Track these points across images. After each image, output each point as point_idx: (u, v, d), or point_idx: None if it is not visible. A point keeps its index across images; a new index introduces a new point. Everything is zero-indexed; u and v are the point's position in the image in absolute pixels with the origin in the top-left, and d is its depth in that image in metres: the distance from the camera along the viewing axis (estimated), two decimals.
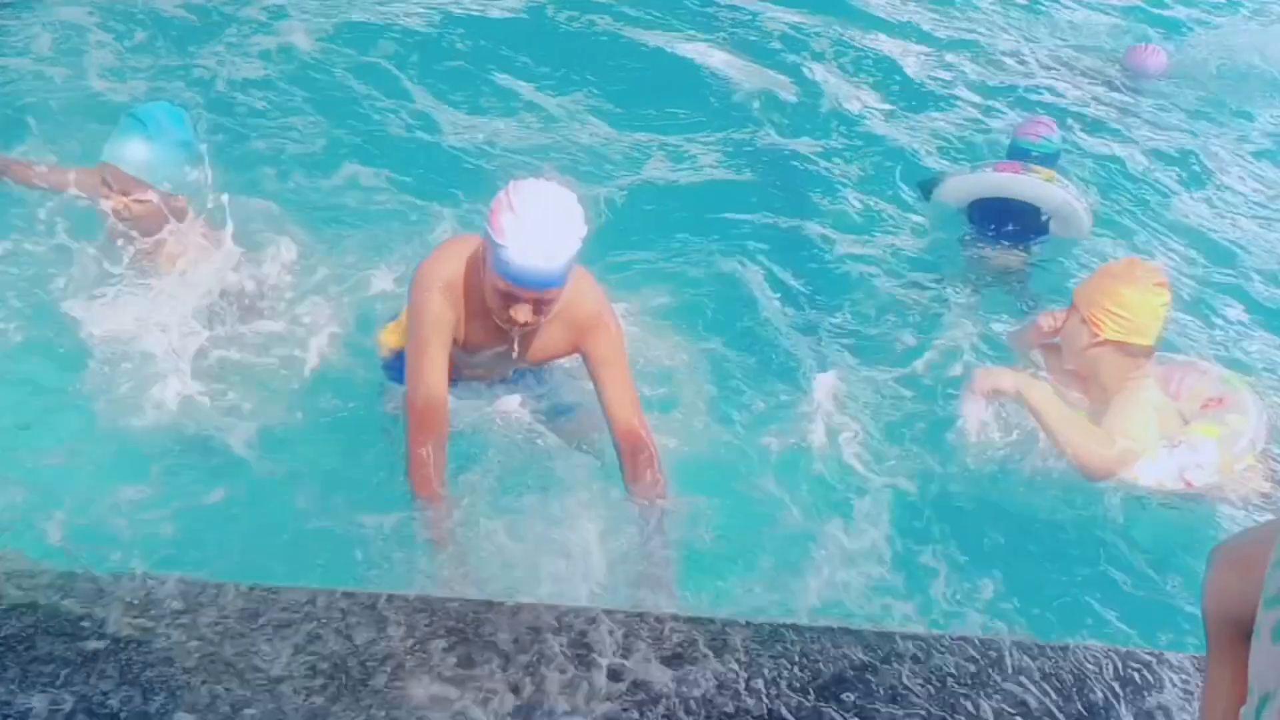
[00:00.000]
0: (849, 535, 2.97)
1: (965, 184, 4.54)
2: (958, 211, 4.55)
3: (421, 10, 5.82)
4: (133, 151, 3.07)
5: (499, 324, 2.65)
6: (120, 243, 3.22)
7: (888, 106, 5.86)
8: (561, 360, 2.98)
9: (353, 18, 5.63)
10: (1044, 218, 4.38)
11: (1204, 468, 3.07)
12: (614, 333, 2.78)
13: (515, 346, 2.71)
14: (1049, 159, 4.49)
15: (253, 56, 5.12)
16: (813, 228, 4.60)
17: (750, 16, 6.51)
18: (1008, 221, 4.41)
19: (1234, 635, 1.48)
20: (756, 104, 5.58)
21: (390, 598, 2.22)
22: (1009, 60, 6.78)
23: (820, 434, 3.30)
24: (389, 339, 3.05)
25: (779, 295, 4.11)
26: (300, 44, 5.28)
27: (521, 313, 2.53)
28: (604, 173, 4.76)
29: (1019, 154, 4.56)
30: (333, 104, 4.91)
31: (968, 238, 4.53)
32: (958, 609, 2.78)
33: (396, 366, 2.90)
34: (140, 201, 3.12)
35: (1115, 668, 2.30)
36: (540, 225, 2.43)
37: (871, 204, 4.88)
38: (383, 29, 5.57)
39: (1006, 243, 4.42)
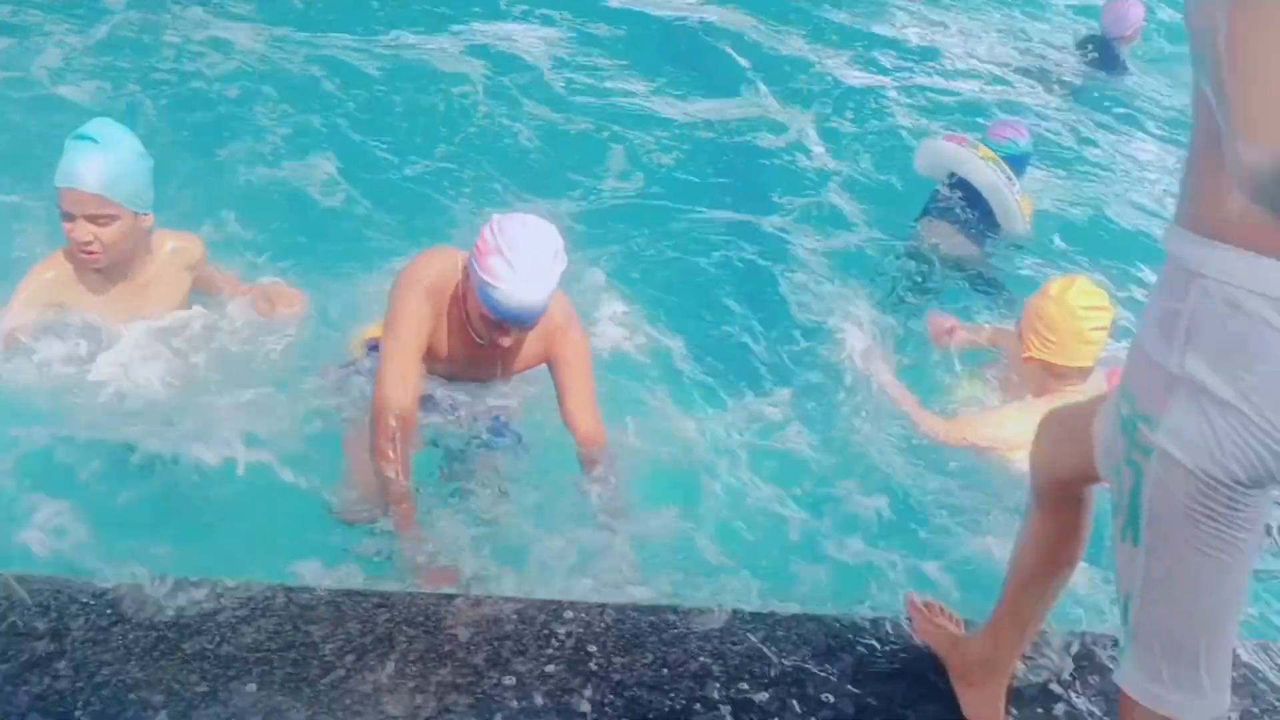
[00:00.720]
0: (809, 524, 3.00)
1: (921, 151, 4.65)
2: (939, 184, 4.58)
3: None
4: (91, 168, 2.70)
5: (477, 339, 2.71)
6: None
7: (856, 101, 5.90)
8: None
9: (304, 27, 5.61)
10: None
11: None
12: (580, 341, 2.87)
13: (499, 364, 2.82)
14: (1014, 160, 4.51)
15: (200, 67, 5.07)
16: (771, 221, 4.63)
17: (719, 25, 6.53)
18: (974, 208, 4.44)
19: (1058, 496, 1.84)
20: (721, 101, 5.61)
21: (349, 593, 2.22)
22: (984, 62, 6.86)
23: (778, 422, 3.34)
24: (360, 340, 3.08)
25: (737, 288, 4.13)
26: (256, 50, 5.25)
27: (505, 339, 2.64)
28: (568, 176, 4.78)
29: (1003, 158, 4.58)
30: (295, 115, 4.88)
31: (935, 204, 4.54)
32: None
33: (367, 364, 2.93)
34: (110, 225, 2.78)
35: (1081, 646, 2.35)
36: (527, 266, 2.50)
37: (829, 198, 4.92)
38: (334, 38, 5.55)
39: (961, 226, 4.42)
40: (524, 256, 2.50)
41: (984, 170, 4.37)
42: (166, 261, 3.04)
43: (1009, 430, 3.15)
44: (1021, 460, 3.09)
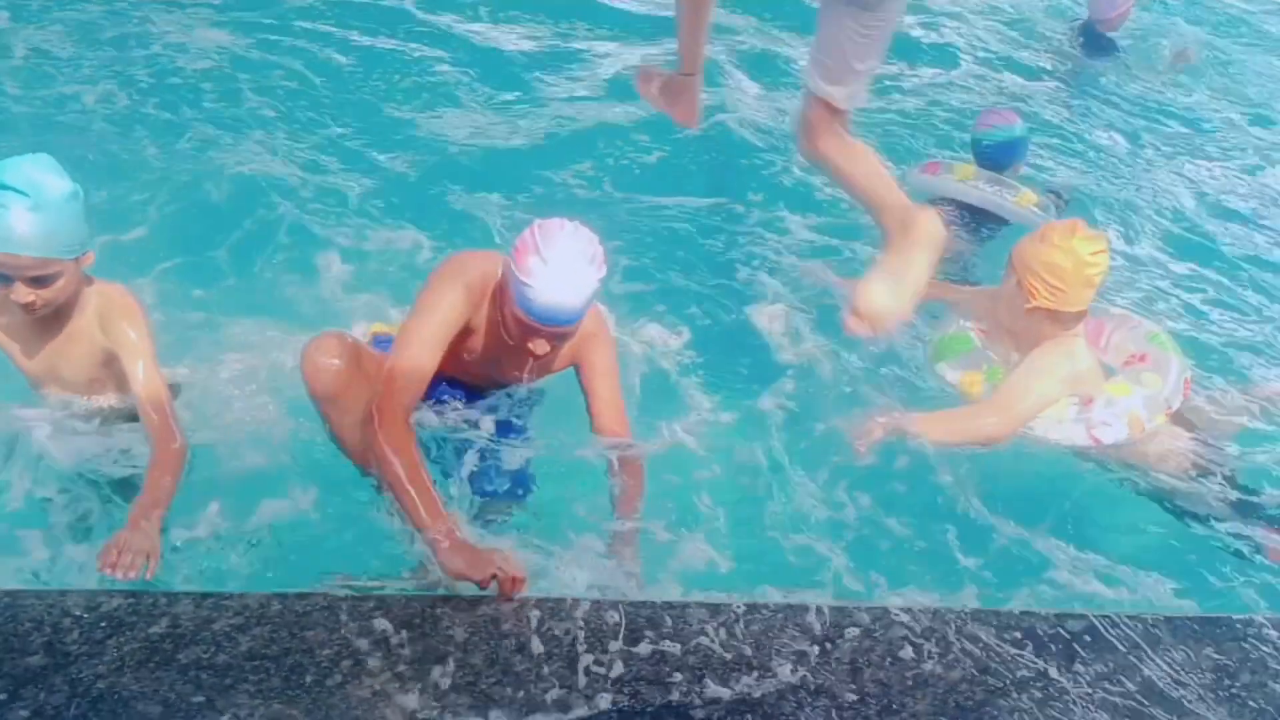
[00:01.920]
0: (804, 514, 2.99)
1: (904, 181, 4.64)
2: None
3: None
4: (24, 228, 2.40)
5: (509, 341, 2.67)
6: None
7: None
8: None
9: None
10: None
11: (1112, 425, 3.16)
12: (609, 345, 2.85)
13: (526, 370, 2.77)
14: (1006, 147, 4.49)
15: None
16: (761, 214, 4.61)
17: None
18: (968, 212, 4.44)
19: None
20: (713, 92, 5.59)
21: (344, 598, 2.21)
22: (967, 50, 6.84)
23: (770, 412, 3.33)
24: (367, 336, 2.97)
25: (730, 278, 4.13)
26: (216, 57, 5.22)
27: (539, 346, 2.60)
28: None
29: (973, 146, 4.58)
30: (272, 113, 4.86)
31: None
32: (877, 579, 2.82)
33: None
34: (53, 283, 2.51)
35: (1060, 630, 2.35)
36: (563, 268, 2.49)
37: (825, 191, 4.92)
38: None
39: (964, 228, 4.44)
40: (560, 258, 2.49)
41: (968, 192, 4.39)
42: (92, 314, 2.67)
43: (1042, 392, 3.16)
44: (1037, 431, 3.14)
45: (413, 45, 5.58)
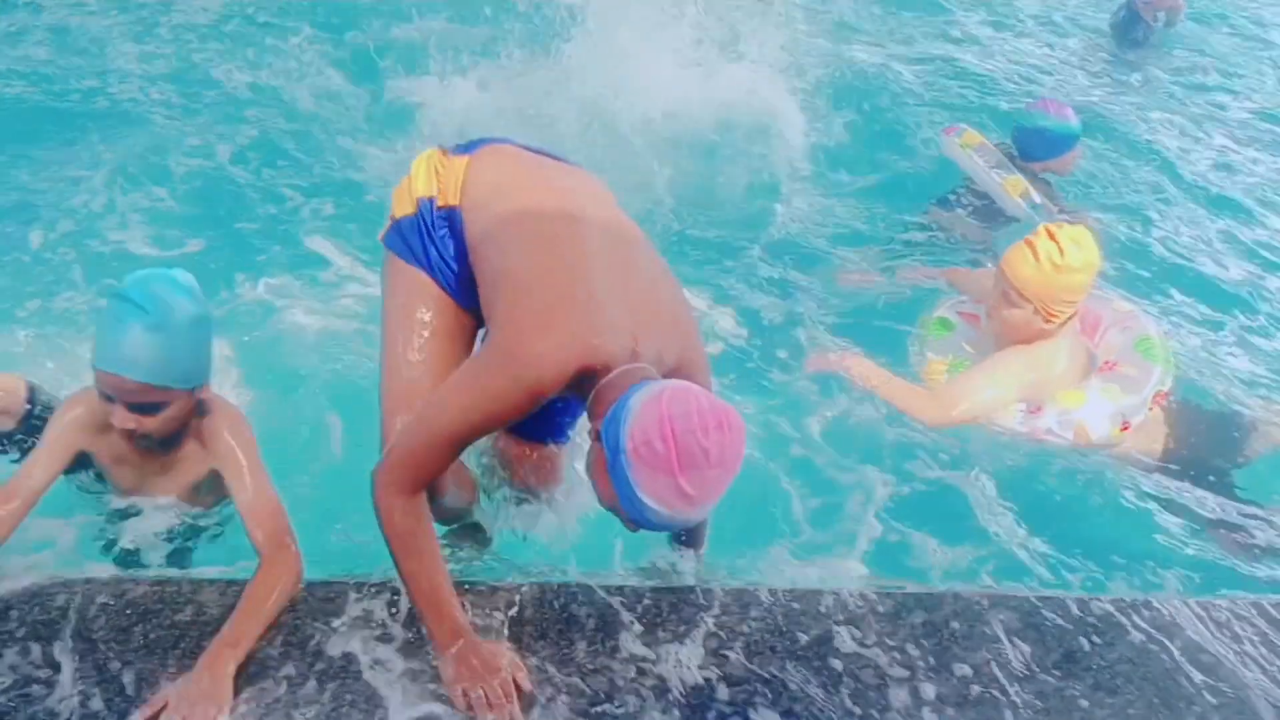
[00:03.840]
0: (814, 501, 3.00)
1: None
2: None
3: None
4: (140, 352, 2.16)
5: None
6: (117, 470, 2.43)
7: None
8: None
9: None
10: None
11: (1054, 433, 3.19)
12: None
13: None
14: (1031, 134, 4.40)
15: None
16: (778, 210, 4.59)
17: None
18: (976, 194, 4.44)
19: None
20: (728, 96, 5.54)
21: (369, 585, 2.21)
22: (1007, 40, 6.76)
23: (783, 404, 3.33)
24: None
25: (744, 271, 4.11)
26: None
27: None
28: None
29: (1012, 125, 4.56)
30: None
31: (942, 193, 4.54)
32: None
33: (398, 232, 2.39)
34: (159, 411, 2.25)
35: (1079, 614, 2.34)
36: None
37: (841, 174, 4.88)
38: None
39: (966, 212, 4.42)
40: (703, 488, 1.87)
41: (958, 155, 4.49)
42: (200, 439, 2.40)
43: (992, 395, 3.19)
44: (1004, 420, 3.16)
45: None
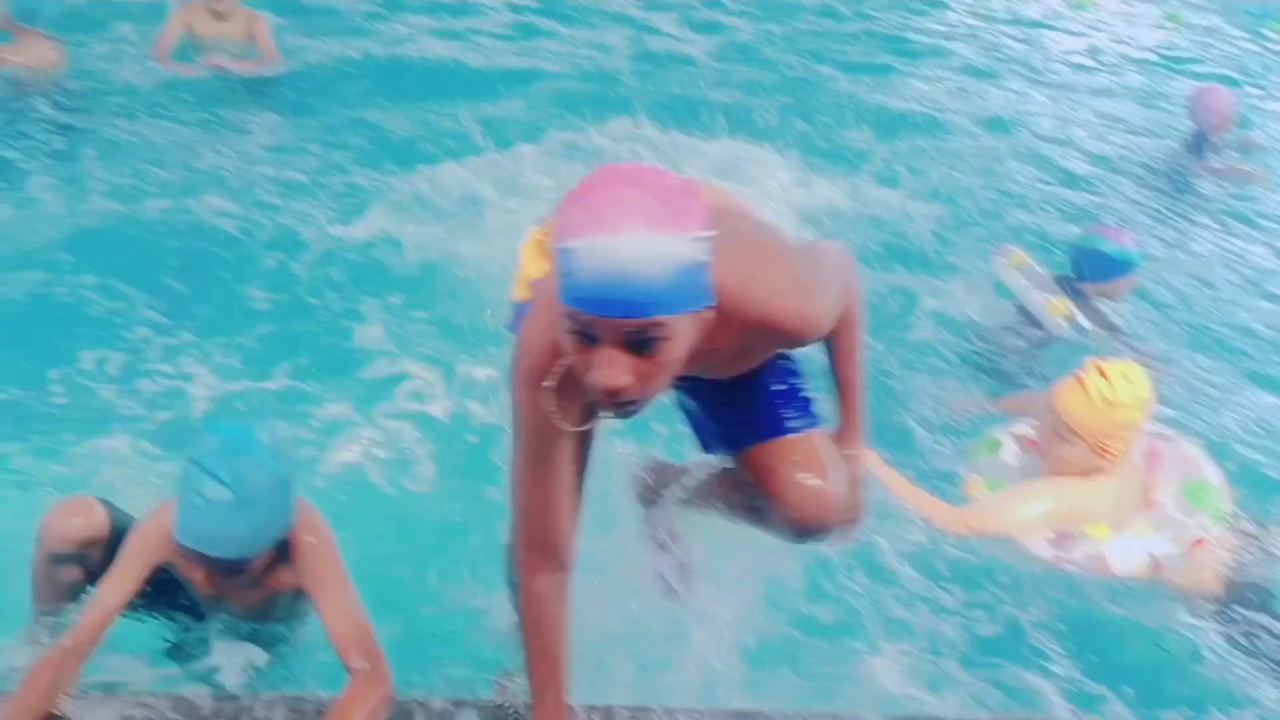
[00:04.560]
0: (816, 619, 2.96)
1: None
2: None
3: None
4: (225, 532, 2.11)
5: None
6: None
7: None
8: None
9: None
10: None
11: (1077, 563, 3.14)
12: None
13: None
14: (1089, 256, 4.44)
15: None
16: None
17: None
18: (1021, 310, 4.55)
19: None
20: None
21: (425, 702, 2.24)
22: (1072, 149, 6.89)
23: None
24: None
25: None
26: None
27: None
28: None
29: (1073, 250, 4.61)
30: None
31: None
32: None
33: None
34: (244, 571, 2.23)
35: None
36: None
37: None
38: None
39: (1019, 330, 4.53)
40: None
41: (1003, 274, 4.56)
42: (284, 564, 2.35)
43: (1019, 516, 3.20)
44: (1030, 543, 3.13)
45: None
